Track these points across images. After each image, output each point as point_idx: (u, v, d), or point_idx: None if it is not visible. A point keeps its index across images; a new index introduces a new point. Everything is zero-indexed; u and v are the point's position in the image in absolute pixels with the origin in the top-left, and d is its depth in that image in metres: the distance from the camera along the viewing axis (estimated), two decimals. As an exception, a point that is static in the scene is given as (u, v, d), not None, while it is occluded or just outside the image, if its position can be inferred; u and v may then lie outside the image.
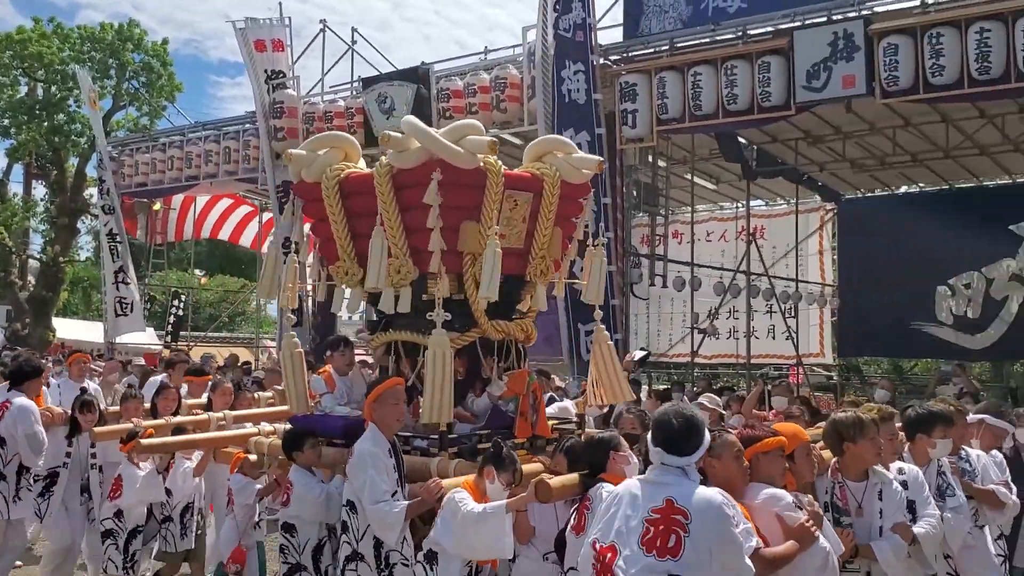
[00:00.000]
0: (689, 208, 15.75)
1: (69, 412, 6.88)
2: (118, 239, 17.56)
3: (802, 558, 3.35)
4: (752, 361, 15.87)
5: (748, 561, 3.24)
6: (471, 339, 5.41)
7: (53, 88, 26.20)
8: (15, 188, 30.23)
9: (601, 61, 11.43)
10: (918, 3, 9.62)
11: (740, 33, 10.65)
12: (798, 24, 10.17)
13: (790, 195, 16.48)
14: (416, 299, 5.34)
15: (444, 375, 5.01)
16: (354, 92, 13.87)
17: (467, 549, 4.14)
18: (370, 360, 7.89)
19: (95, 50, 26.26)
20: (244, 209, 19.96)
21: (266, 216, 18.71)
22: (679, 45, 11.13)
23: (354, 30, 14.67)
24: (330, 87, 14.67)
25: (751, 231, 15.70)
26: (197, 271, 35.28)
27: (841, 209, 16.12)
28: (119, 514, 6.09)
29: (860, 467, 4.02)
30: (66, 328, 26.85)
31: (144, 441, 5.87)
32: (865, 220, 15.37)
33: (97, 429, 6.45)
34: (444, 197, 5.10)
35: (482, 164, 5.25)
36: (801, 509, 3.45)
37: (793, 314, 17.22)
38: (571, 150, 5.94)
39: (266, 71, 14.50)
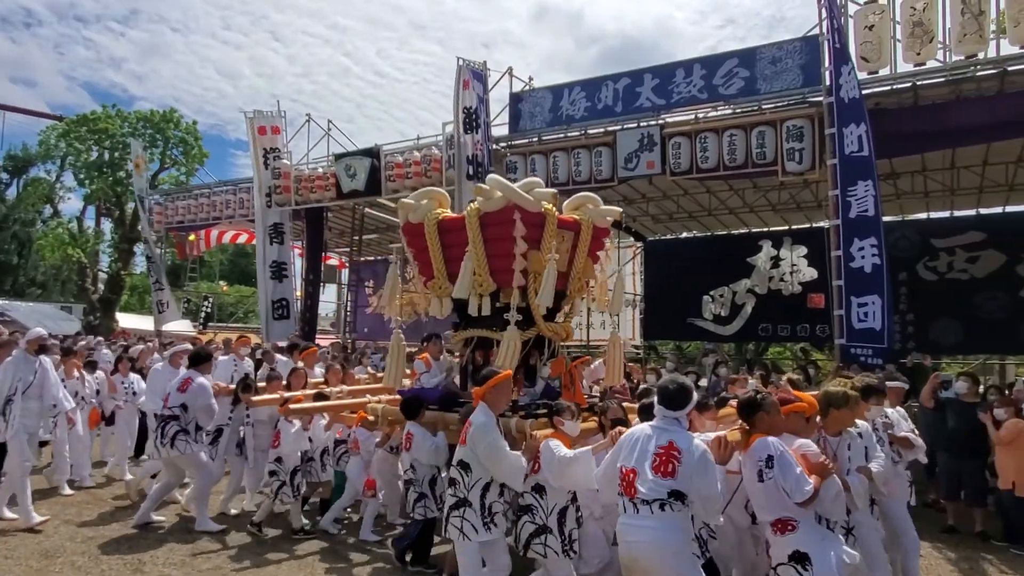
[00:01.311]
0: (551, 244, 15.66)
1: (231, 387, 6.32)
2: (152, 261, 16.61)
3: (823, 487, 3.20)
4: (591, 342, 15.95)
5: (717, 489, 3.20)
6: (531, 335, 5.00)
7: (116, 153, 24.42)
8: (89, 223, 29.46)
9: (494, 146, 11.20)
10: (692, 118, 9.75)
11: (583, 132, 10.60)
12: (620, 127, 10.18)
13: (614, 237, 16.68)
14: (491, 306, 4.97)
15: (513, 358, 4.72)
16: (329, 163, 13.21)
17: (566, 482, 3.82)
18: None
19: (147, 128, 24.69)
20: (246, 236, 18.92)
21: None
22: (544, 138, 11.00)
23: (329, 121, 14.04)
24: (313, 159, 13.93)
25: (590, 259, 15.80)
26: (221, 281, 33.48)
27: (646, 246, 16.30)
28: (279, 459, 5.54)
29: (838, 427, 3.82)
30: (126, 320, 25.09)
31: (293, 406, 5.50)
32: (660, 254, 15.67)
33: (254, 398, 5.87)
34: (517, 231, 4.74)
35: (543, 209, 4.89)
36: (823, 454, 3.32)
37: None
38: (599, 203, 5.39)
39: (264, 148, 13.57)
